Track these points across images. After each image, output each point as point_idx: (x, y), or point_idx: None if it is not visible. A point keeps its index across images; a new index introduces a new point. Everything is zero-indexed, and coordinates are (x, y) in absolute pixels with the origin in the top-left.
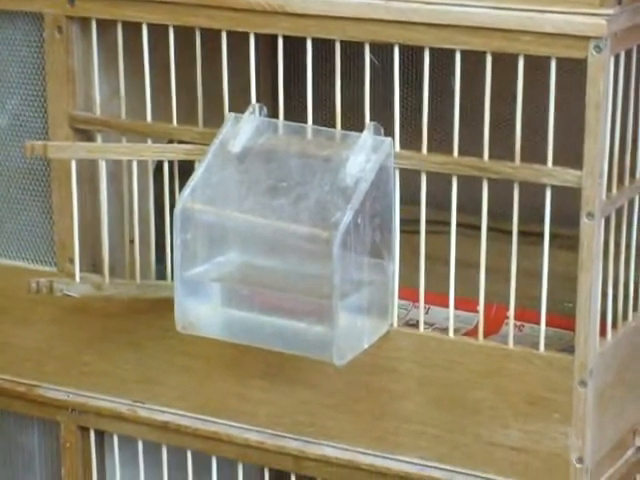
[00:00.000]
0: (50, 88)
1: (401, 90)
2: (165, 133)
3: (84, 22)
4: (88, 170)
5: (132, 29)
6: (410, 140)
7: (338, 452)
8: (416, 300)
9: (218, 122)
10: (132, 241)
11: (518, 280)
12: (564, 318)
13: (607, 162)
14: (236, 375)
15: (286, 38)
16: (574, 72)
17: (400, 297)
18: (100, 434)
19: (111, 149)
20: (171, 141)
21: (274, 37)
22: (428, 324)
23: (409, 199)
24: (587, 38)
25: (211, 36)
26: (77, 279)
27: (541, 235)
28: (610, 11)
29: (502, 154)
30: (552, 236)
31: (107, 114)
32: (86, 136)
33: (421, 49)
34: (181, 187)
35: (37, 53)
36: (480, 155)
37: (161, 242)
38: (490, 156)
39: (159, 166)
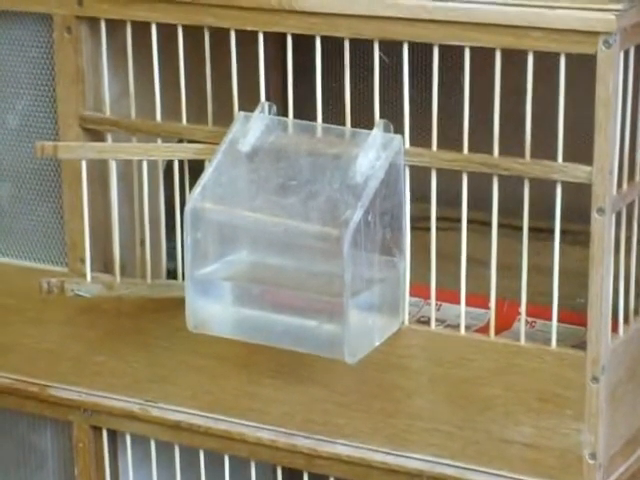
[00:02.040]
0: (60, 88)
1: (410, 87)
2: (175, 132)
3: (93, 22)
4: (98, 170)
5: (141, 29)
6: (420, 137)
7: (350, 450)
8: (427, 297)
9: (228, 121)
10: (143, 242)
11: (529, 276)
12: (576, 314)
13: (617, 158)
14: (248, 374)
15: (295, 36)
16: (584, 68)
17: (411, 294)
18: (113, 434)
19: (121, 149)
20: (181, 140)
21: (283, 35)
22: (440, 321)
23: (419, 196)
24: (596, 34)
25: (220, 35)
26: (88, 279)
27: (552, 231)
28: (619, 6)
29: (512, 151)
30: (563, 232)
31: (117, 114)
32: (96, 136)
33: (430, 46)
34: (191, 186)
35: (46, 54)
36: (490, 152)
37: (172, 242)
38: (500, 153)
39: (169, 166)
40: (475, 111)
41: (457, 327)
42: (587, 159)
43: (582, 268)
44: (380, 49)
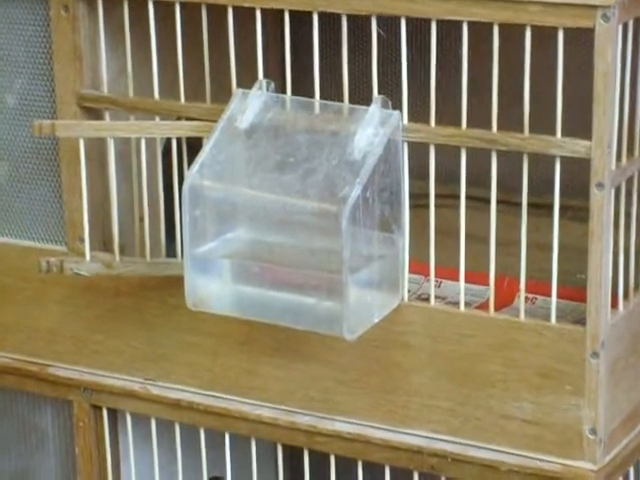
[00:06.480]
0: (57, 67)
1: (408, 63)
2: (173, 110)
3: (90, 0)
4: (97, 148)
5: (138, 6)
6: (418, 113)
7: (350, 427)
8: (428, 274)
9: (226, 98)
10: (142, 219)
11: (529, 252)
12: (577, 290)
13: (616, 132)
14: (247, 351)
15: (293, 12)
16: (582, 42)
17: (412, 271)
18: (113, 412)
19: (119, 127)
20: (179, 118)
21: (281, 12)
22: (440, 298)
23: (418, 172)
24: (594, 7)
25: (218, 12)
26: (87, 258)
27: (551, 207)
28: None
29: (511, 126)
30: (563, 208)
31: (115, 92)
32: (94, 114)
33: (428, 21)
34: (189, 164)
35: (43, 32)
36: (488, 127)
37: (171, 219)
38: (499, 128)
39: (167, 143)
40: (473, 86)
41: (457, 304)
42: (586, 134)
43: (582, 244)
44: (378, 25)
